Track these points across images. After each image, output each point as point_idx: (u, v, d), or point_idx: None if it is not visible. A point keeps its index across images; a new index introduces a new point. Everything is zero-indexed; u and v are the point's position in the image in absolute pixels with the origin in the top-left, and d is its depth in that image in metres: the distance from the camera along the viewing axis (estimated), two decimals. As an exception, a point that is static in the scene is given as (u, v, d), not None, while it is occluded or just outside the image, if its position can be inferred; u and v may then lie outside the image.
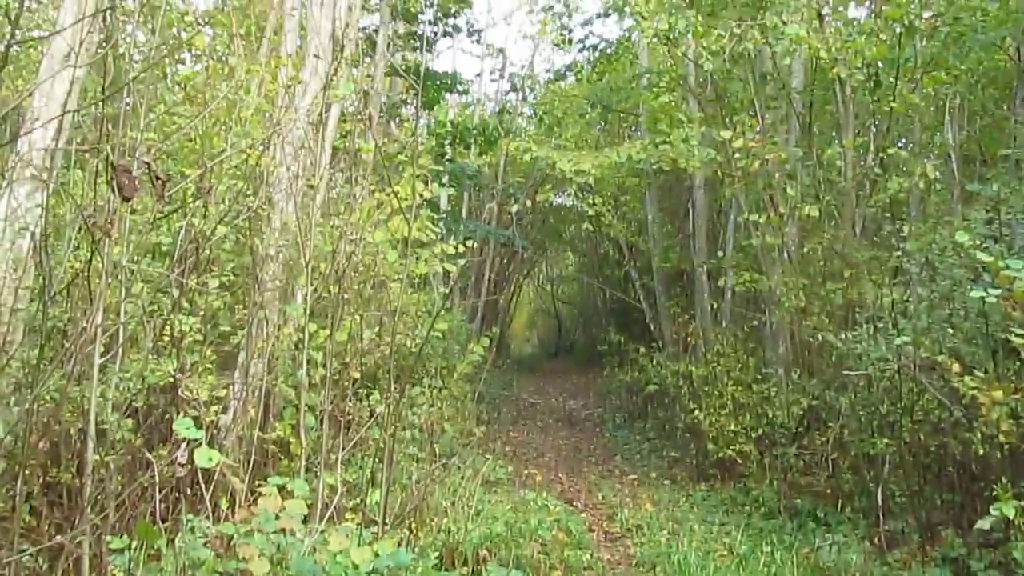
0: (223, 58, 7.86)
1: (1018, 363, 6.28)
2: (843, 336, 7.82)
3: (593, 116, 17.77)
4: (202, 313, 6.38)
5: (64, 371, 4.30)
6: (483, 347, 9.38)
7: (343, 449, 5.76)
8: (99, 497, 4.53)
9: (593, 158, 11.32)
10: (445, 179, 15.55)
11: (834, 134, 12.08)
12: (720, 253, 13.40)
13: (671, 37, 10.31)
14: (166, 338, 5.84)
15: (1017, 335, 5.53)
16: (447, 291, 13.31)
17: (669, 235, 17.08)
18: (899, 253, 8.32)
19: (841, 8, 11.22)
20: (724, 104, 11.73)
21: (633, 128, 17.80)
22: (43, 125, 4.84)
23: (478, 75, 36.61)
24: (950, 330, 6.85)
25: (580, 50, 16.97)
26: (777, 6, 9.72)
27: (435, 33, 18.24)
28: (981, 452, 6.52)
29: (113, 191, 3.60)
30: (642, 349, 14.34)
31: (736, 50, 9.80)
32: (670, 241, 16.83)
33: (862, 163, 10.17)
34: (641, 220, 18.16)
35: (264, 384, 6.44)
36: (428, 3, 17.02)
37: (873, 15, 10.42)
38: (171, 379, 5.65)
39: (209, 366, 6.28)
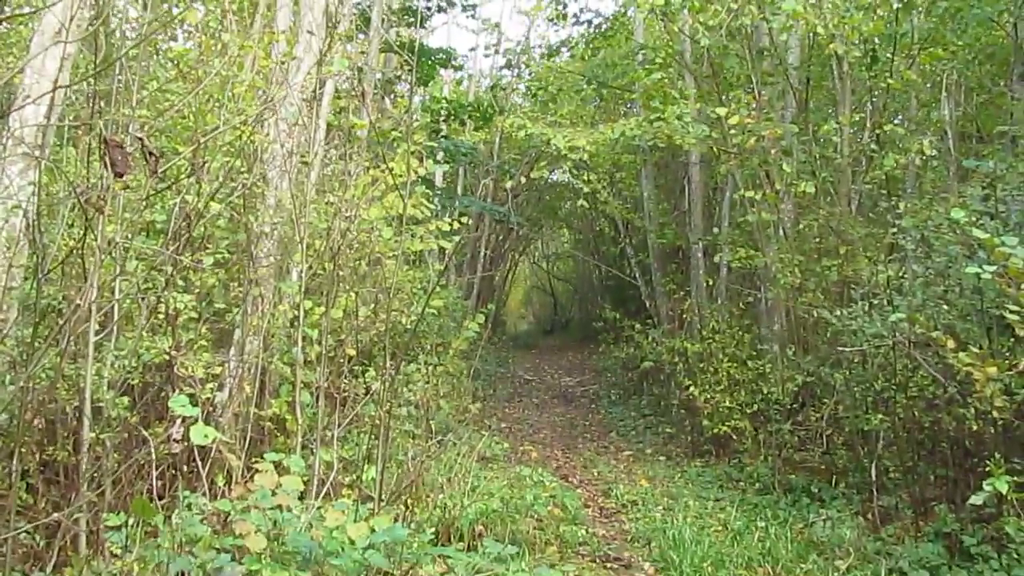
0: (216, 34, 7.80)
1: (1012, 339, 6.29)
2: (838, 313, 7.82)
3: (588, 92, 17.70)
4: (197, 290, 6.37)
5: (59, 349, 4.30)
6: (478, 324, 9.38)
7: (339, 426, 5.77)
8: (95, 474, 4.54)
9: (588, 135, 11.28)
10: (440, 156, 15.49)
11: (831, 110, 12.05)
12: (716, 230, 13.39)
13: (667, 12, 10.24)
14: (161, 315, 5.83)
15: (1012, 311, 5.53)
16: (442, 268, 13.31)
17: (665, 212, 17.06)
18: (895, 230, 8.30)
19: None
20: (720, 80, 11.69)
21: (629, 105, 17.73)
22: (35, 102, 4.80)
23: (472, 50, 36.46)
24: (945, 307, 6.86)
25: (575, 23, 16.86)
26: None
27: (429, 8, 18.13)
28: (975, 428, 6.56)
29: (106, 167, 3.58)
30: (637, 326, 14.36)
31: (733, 25, 9.75)
32: (666, 218, 16.80)
33: (858, 139, 10.15)
34: (637, 197, 18.15)
35: (260, 361, 6.44)
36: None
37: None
38: (166, 356, 5.65)
39: (204, 343, 6.28)
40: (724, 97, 11.07)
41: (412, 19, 16.59)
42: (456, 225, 8.88)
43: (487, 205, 18.67)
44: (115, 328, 4.80)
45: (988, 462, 5.45)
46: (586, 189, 16.20)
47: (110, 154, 3.41)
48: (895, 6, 9.65)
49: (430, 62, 17.29)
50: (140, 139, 3.76)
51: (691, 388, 11.26)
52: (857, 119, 10.29)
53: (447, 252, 11.33)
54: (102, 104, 4.72)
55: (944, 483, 7.33)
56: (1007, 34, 11.30)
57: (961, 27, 10.91)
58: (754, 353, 11.24)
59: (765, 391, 10.37)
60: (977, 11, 10.38)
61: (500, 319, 25.19)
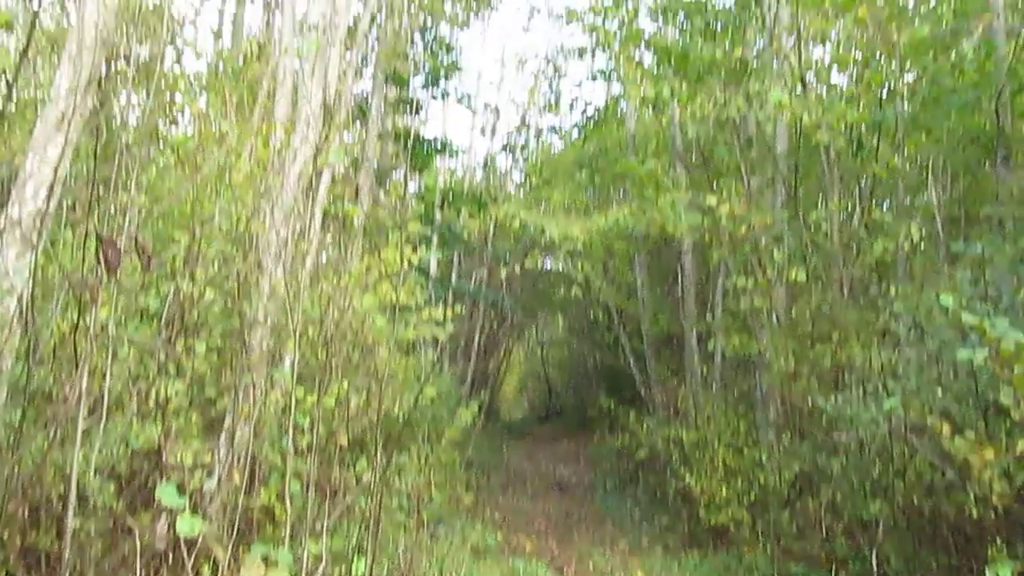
0: (215, 123, 7.93)
1: (1008, 423, 6.27)
2: (833, 399, 7.80)
3: (582, 179, 17.94)
4: (189, 377, 6.34)
5: (47, 434, 4.25)
6: (472, 412, 9.33)
7: (329, 517, 5.69)
8: (79, 564, 4.45)
9: (581, 223, 11.41)
10: (434, 243, 15.60)
11: (820, 197, 12.19)
12: (709, 317, 13.43)
13: (657, 104, 10.45)
14: (151, 402, 5.79)
15: (1006, 395, 5.53)
16: (436, 356, 13.28)
17: (658, 299, 17.12)
18: (887, 315, 8.35)
19: (821, 75, 11.41)
20: (710, 169, 11.86)
21: (622, 192, 17.96)
22: (35, 191, 4.85)
23: (470, 129, 36.88)
24: (939, 391, 6.85)
25: (570, 109, 17.21)
26: (760, 73, 9.90)
27: (425, 98, 18.46)
28: (975, 514, 6.48)
29: (99, 262, 3.60)
30: (632, 413, 14.27)
31: (721, 116, 9.94)
32: (659, 305, 16.85)
33: (848, 226, 10.25)
34: (630, 284, 18.21)
35: (250, 449, 6.37)
36: (419, 70, 17.25)
37: (854, 80, 10.60)
38: (155, 444, 5.59)
39: (195, 431, 6.22)
40: (714, 185, 11.22)
41: (409, 109, 16.90)
42: (450, 313, 8.90)
43: (482, 292, 18.74)
44: (104, 414, 4.75)
45: (990, 548, 5.38)
46: (580, 276, 16.28)
47: (104, 250, 3.44)
48: (878, 95, 9.87)
49: (426, 151, 17.54)
50: (135, 238, 3.78)
51: (687, 477, 11.14)
52: (846, 205, 10.41)
53: (441, 340, 11.32)
54: (100, 191, 4.77)
55: (946, 571, 7.21)
56: (989, 118, 11.53)
57: (943, 113, 11.13)
58: (750, 441, 11.16)
59: (762, 479, 10.26)
60: (959, 97, 10.61)
61: (494, 407, 25.05)
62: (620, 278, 19.32)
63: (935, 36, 11.02)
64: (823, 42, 10.40)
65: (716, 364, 13.77)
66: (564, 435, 25.56)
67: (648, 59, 11.35)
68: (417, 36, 16.29)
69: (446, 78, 17.98)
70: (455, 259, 19.85)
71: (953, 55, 10.74)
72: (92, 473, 4.71)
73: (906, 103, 10.71)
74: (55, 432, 4.17)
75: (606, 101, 16.65)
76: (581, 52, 14.32)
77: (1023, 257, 8.09)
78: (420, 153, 17.19)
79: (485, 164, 22.64)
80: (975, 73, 11.21)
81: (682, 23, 10.74)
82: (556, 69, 15.91)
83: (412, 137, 7.70)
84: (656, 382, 15.93)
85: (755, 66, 10.38)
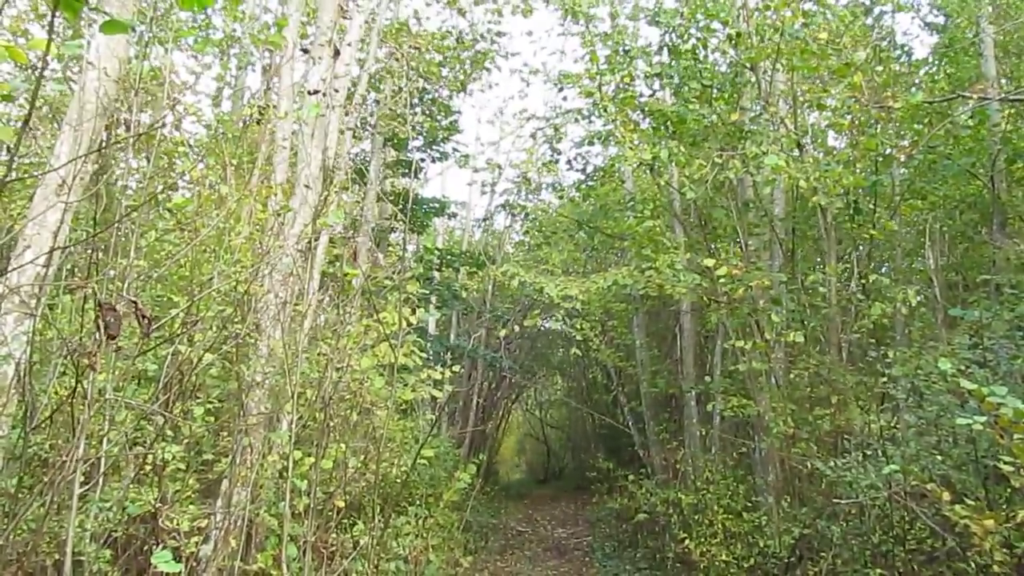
0: (215, 186, 8.00)
1: (1009, 490, 6.24)
2: (832, 463, 7.76)
3: (581, 239, 18.03)
4: (186, 441, 6.32)
5: (43, 501, 4.23)
6: (470, 474, 9.27)
7: (326, 581, 5.63)
8: (73, 633, 4.39)
9: (580, 283, 11.44)
10: (433, 303, 15.64)
11: (818, 260, 12.26)
12: (708, 378, 13.41)
13: (654, 167, 10.55)
14: (148, 467, 5.76)
15: (1006, 462, 5.51)
16: (434, 417, 13.23)
17: (657, 360, 17.10)
18: (885, 379, 8.34)
19: (817, 140, 11.53)
20: (708, 230, 11.94)
21: (619, 253, 18.05)
22: (34, 259, 4.88)
23: (468, 189, 37.03)
24: (939, 457, 6.83)
25: (568, 169, 17.34)
26: (757, 136, 10.01)
27: (423, 160, 18.61)
28: (976, 583, 6.42)
29: (98, 329, 3.62)
30: (631, 476, 14.18)
31: (718, 178, 10.03)
32: (658, 366, 16.83)
33: (845, 289, 10.29)
34: (629, 345, 18.21)
35: (247, 513, 6.33)
36: (417, 132, 17.43)
37: (850, 145, 10.72)
38: (152, 509, 5.56)
39: (191, 495, 6.18)
40: (712, 247, 11.28)
41: (406, 171, 17.04)
42: (448, 373, 8.89)
43: (480, 352, 18.72)
44: (101, 479, 4.73)
45: (991, 618, 5.32)
46: (579, 337, 16.28)
47: (102, 316, 3.46)
48: (875, 159, 9.96)
49: (424, 211, 17.66)
50: (134, 303, 3.81)
51: (686, 541, 11.03)
52: (843, 269, 10.46)
53: (439, 401, 11.28)
54: (100, 256, 4.80)
55: (948, 641, 7.12)
56: (985, 185, 11.65)
57: (939, 179, 11.25)
58: (749, 504, 11.08)
59: (761, 544, 10.16)
60: (952, 165, 10.73)
61: (492, 468, 24.87)
62: (619, 339, 19.32)
63: (930, 103, 11.18)
64: (819, 108, 10.52)
65: (715, 426, 13.72)
66: (563, 497, 25.36)
67: (645, 122, 11.48)
68: (415, 99, 16.49)
69: (444, 140, 18.16)
70: (453, 319, 19.87)
71: (948, 122, 10.88)
72: (88, 539, 4.67)
73: (902, 168, 10.82)
74: (51, 498, 4.15)
75: (604, 161, 16.79)
76: (579, 114, 14.49)
77: (1020, 323, 8.12)
78: (419, 214, 17.30)
79: (483, 224, 22.78)
80: (970, 140, 11.36)
81: (677, 87, 10.88)
82: (555, 129, 16.08)
83: (410, 198, 7.76)
84: (655, 444, 15.84)
85: (751, 129, 10.50)
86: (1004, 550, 5.65)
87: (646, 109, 11.20)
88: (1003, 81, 14.43)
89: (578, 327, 16.58)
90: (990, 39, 13.19)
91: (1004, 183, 12.28)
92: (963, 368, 6.60)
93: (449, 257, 18.10)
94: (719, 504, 11.23)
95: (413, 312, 8.00)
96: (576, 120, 14.28)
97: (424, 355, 9.34)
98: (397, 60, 14.41)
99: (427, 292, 15.79)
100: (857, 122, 10.26)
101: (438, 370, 8.74)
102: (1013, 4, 13.67)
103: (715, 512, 11.11)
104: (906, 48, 14.49)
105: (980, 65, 13.53)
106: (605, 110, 10.94)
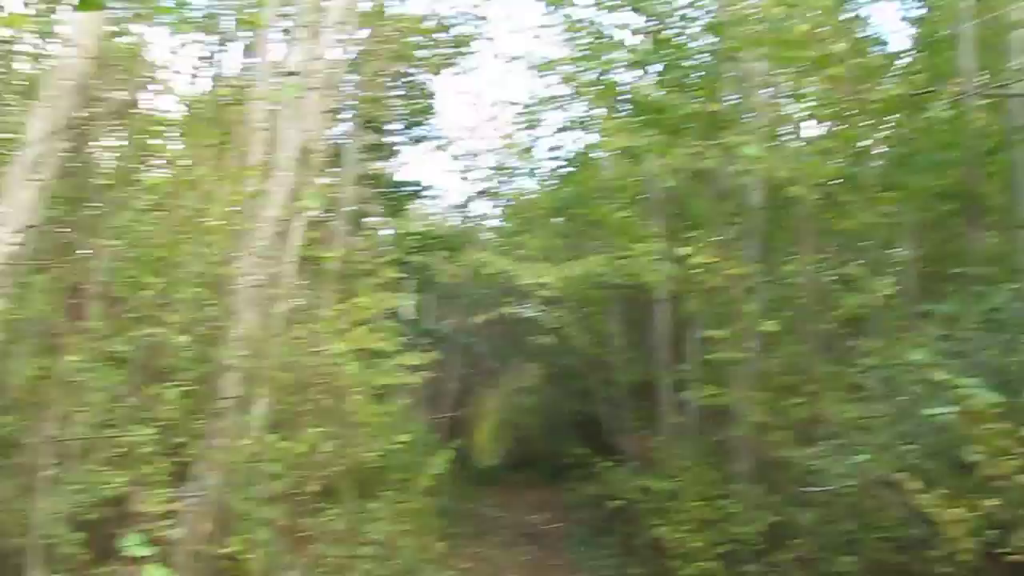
0: (191, 167, 7.93)
1: (977, 479, 6.30)
2: (805, 452, 7.83)
3: (558, 226, 18.01)
4: (158, 423, 6.27)
5: (13, 483, 4.19)
6: (445, 459, 9.27)
7: (299, 566, 5.62)
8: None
9: (556, 270, 11.45)
10: (409, 288, 15.60)
11: (793, 250, 12.31)
12: (683, 366, 13.44)
13: (633, 154, 10.56)
14: (119, 449, 5.71)
15: (976, 451, 5.57)
16: (409, 402, 13.22)
17: (632, 347, 17.11)
18: (858, 369, 8.40)
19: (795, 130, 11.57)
20: (685, 220, 11.95)
21: (597, 241, 18.03)
22: (6, 236, 4.82)
23: (446, 173, 36.95)
24: (910, 446, 6.88)
25: (547, 155, 17.29)
26: (736, 126, 10.03)
27: (402, 143, 18.51)
28: (944, 570, 6.48)
29: (70, 308, 3.59)
30: (606, 463, 14.21)
31: (696, 167, 10.05)
32: (633, 354, 16.84)
33: (821, 279, 10.35)
34: (605, 332, 18.22)
35: (219, 497, 6.30)
36: (395, 115, 17.33)
37: (828, 136, 10.77)
38: (124, 491, 5.52)
39: (163, 478, 6.14)
40: (690, 236, 11.30)
41: (385, 153, 16.95)
42: (424, 359, 8.89)
43: (457, 337, 18.71)
44: (70, 461, 4.69)
45: (959, 606, 5.39)
46: (554, 324, 16.28)
47: (74, 296, 3.43)
48: (851, 151, 10.02)
49: (401, 195, 17.57)
50: (106, 283, 3.77)
51: (660, 527, 11.08)
52: (819, 259, 10.51)
53: (414, 386, 11.26)
54: (73, 236, 4.75)
55: (917, 627, 7.20)
56: (960, 177, 11.73)
57: (915, 171, 11.30)
58: (723, 492, 11.13)
59: (734, 531, 10.22)
60: (928, 157, 10.80)
61: (468, 454, 24.86)
62: (595, 326, 19.33)
63: (907, 96, 11.22)
64: (798, 99, 10.56)
65: (689, 414, 13.76)
66: (538, 483, 25.36)
67: (624, 110, 11.47)
68: (394, 82, 16.39)
69: (422, 123, 18.07)
70: (430, 304, 19.83)
71: (925, 116, 10.95)
72: (58, 522, 4.63)
73: (879, 160, 10.88)
74: (20, 481, 4.11)
75: (583, 148, 16.74)
76: (559, 100, 14.44)
77: (992, 316, 8.20)
78: (396, 197, 17.22)
79: (461, 208, 22.70)
80: (946, 133, 11.43)
81: (659, 75, 10.87)
82: (534, 115, 16.00)
83: (388, 181, 7.75)
84: (630, 431, 15.88)
85: (731, 119, 10.52)
86: (972, 538, 5.71)
87: (627, 97, 11.19)
88: (981, 74, 14.50)
89: (554, 314, 16.60)
90: (968, 33, 13.25)
91: (979, 175, 12.38)
92: (935, 359, 6.66)
93: (426, 241, 18.04)
94: (692, 491, 11.28)
95: (390, 295, 7.98)
96: (557, 108, 14.24)
97: (401, 340, 9.33)
98: (377, 43, 14.32)
99: (403, 276, 15.74)
100: (835, 113, 10.31)
101: (415, 354, 8.74)
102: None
103: (689, 499, 11.16)
104: (882, 40, 14.53)
105: (958, 58, 13.60)
106: (585, 97, 10.93)
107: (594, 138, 12.95)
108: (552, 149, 16.12)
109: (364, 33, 14.18)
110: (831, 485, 7.59)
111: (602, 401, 18.57)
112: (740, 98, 10.68)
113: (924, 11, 15.46)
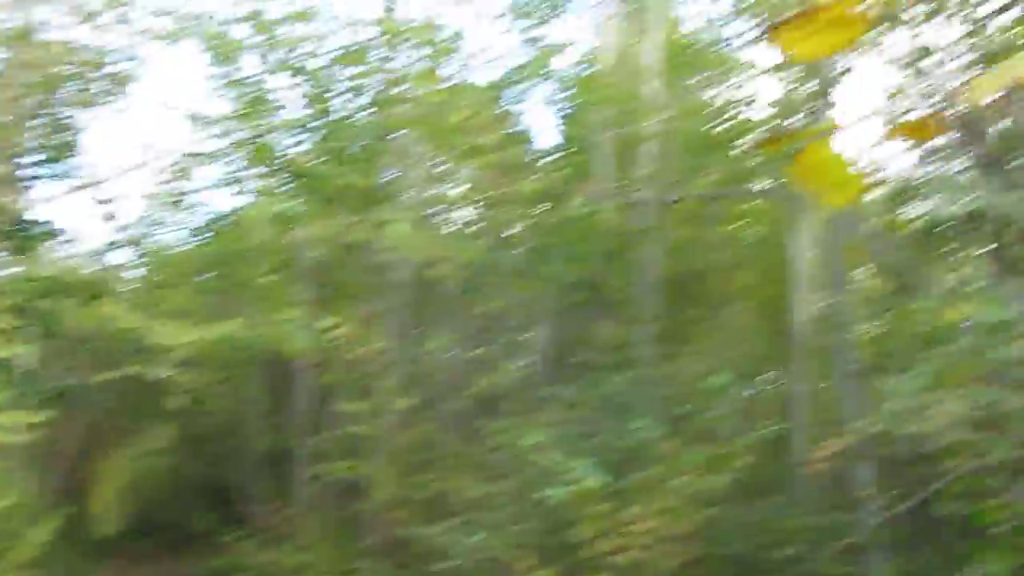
0: None
1: (583, 558, 6.68)
2: (431, 529, 7.93)
3: (203, 285, 17.27)
4: None
5: None
6: (52, 527, 8.42)
7: None
8: None
9: (196, 331, 10.93)
10: (32, 336, 14.19)
11: (434, 329, 12.63)
12: (320, 438, 13.26)
13: (286, 220, 10.41)
14: None
15: (581, 532, 5.90)
16: (13, 464, 11.94)
17: (271, 415, 16.69)
18: (486, 448, 8.69)
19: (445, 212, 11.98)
20: (334, 289, 11.91)
21: (241, 303, 17.49)
22: None
23: (87, 217, 34.47)
24: (525, 526, 7.18)
25: (197, 210, 16.57)
26: (389, 202, 10.20)
27: (39, 178, 17.01)
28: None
29: None
30: (236, 533, 13.62)
31: (347, 239, 10.07)
32: (271, 422, 16.43)
33: (458, 358, 10.67)
34: (243, 397, 17.64)
35: None
36: (32, 148, 15.92)
37: (476, 221, 11.25)
38: None
39: None
40: (335, 307, 11.26)
41: (15, 187, 15.49)
42: (36, 416, 8.08)
43: (80, 393, 17.25)
44: None
45: None
46: (190, 385, 15.49)
47: None
48: (496, 237, 10.52)
49: (30, 234, 16.07)
50: None
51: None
52: (458, 338, 10.85)
53: (20, 445, 10.19)
54: None
55: None
56: (593, 270, 12.69)
57: (552, 260, 12.07)
58: (352, 567, 11.01)
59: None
60: (564, 249, 11.59)
61: (85, 521, 22.87)
62: (233, 391, 18.66)
63: (549, 191, 12.02)
64: (450, 183, 10.96)
65: (324, 487, 13.56)
66: (163, 554, 23.83)
67: (281, 174, 11.31)
68: (34, 110, 15.10)
69: (64, 159, 16.72)
70: (54, 356, 18.17)
71: (564, 210, 11.74)
72: None
73: (520, 248, 11.50)
74: None
75: (235, 208, 16.25)
76: (214, 156, 13.96)
77: (607, 402, 8.84)
78: (25, 236, 15.74)
79: (100, 256, 21.16)
80: (581, 229, 12.34)
81: (318, 143, 10.86)
82: (187, 168, 15.34)
83: (16, 218, 7.01)
84: (263, 501, 15.36)
85: (385, 194, 10.70)
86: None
87: (284, 161, 11.05)
88: (614, 179, 15.88)
89: (190, 375, 15.79)
90: (606, 141, 14.51)
91: (609, 270, 13.46)
92: (552, 442, 7.03)
93: (55, 287, 16.58)
94: (321, 566, 11.06)
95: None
96: (210, 162, 13.73)
97: (10, 394, 8.43)
98: (18, 66, 13.17)
99: (25, 324, 14.32)
100: (483, 200, 10.80)
101: (24, 412, 7.92)
102: (629, 112, 15.15)
103: (317, 574, 10.93)
104: (531, 138, 15.56)
105: (595, 163, 14.82)
106: (241, 156, 10.67)
107: (247, 199, 12.61)
108: (203, 205, 15.49)
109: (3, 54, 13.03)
110: (453, 562, 7.73)
111: (236, 469, 17.90)
112: (396, 175, 10.91)
113: (569, 116, 16.79)
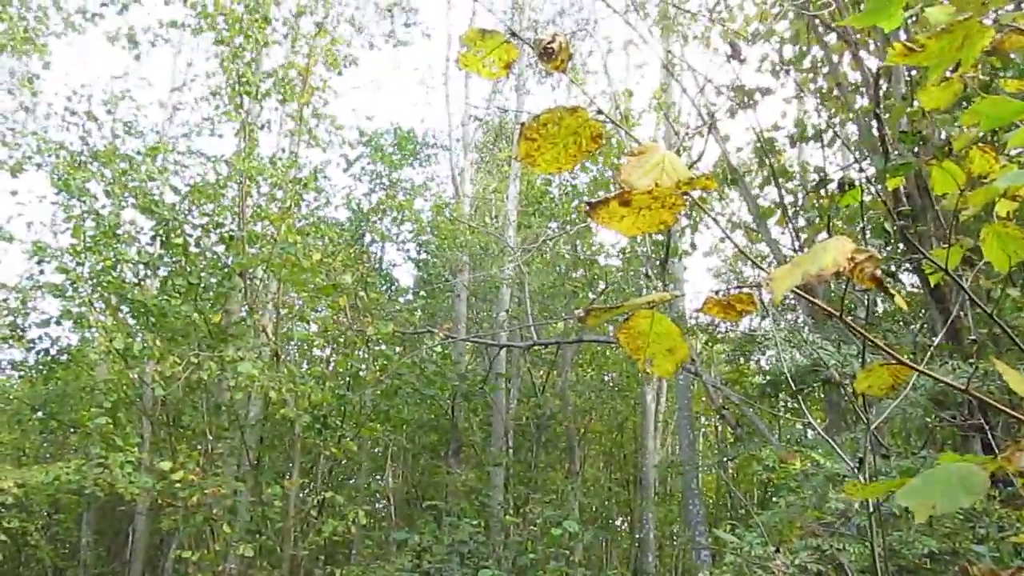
0: None
1: None
2: None
3: (34, 423, 16.33)
4: None
5: None
6: None
7: None
8: None
9: (18, 472, 10.26)
10: None
11: (283, 470, 12.25)
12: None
13: (126, 358, 10.03)
14: None
15: None
16: None
17: (104, 561, 15.70)
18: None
19: (297, 352, 11.80)
20: (176, 429, 11.46)
21: (76, 443, 16.59)
22: None
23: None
24: None
25: (29, 350, 15.77)
26: (237, 341, 9.98)
27: None
28: None
29: None
30: None
31: (192, 378, 9.76)
32: (105, 568, 15.45)
33: (304, 503, 10.35)
34: (75, 542, 16.56)
35: None
36: None
37: (325, 361, 11.11)
38: None
39: None
40: (176, 448, 10.81)
41: None
42: None
43: None
44: None
45: None
46: (12, 529, 14.43)
47: None
48: (347, 378, 10.39)
49: None
50: None
51: None
52: (305, 482, 10.55)
53: None
54: None
55: None
56: (445, 413, 12.65)
57: (404, 403, 11.99)
58: None
59: None
60: (417, 392, 11.53)
61: None
62: (65, 535, 17.50)
63: (402, 334, 12.03)
64: (303, 320, 10.85)
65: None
66: None
67: (125, 309, 10.95)
68: None
69: None
70: None
71: (415, 353, 11.76)
72: None
73: (372, 389, 11.38)
74: None
75: (74, 344, 15.54)
76: (54, 288, 13.41)
77: (458, 548, 8.70)
78: None
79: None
80: (435, 371, 12.35)
81: (164, 279, 10.61)
82: (23, 300, 14.69)
83: None
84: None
85: (233, 333, 10.49)
86: None
87: (127, 296, 10.70)
88: (471, 322, 16.05)
89: (12, 517, 14.74)
90: (463, 283, 14.72)
91: (461, 413, 13.43)
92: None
93: None
94: None
95: None
96: (50, 295, 13.16)
97: None
98: None
99: None
100: (336, 340, 10.70)
101: None
102: (486, 257, 15.47)
103: None
104: (388, 275, 15.65)
105: (453, 304, 14.98)
106: (79, 291, 10.32)
107: (88, 334, 12.09)
108: (38, 339, 14.78)
109: None
110: None
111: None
112: (247, 312, 10.73)
113: (427, 257, 17.03)
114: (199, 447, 10.46)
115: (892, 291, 1.66)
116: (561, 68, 1.77)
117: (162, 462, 9.24)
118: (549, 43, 1.73)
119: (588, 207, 1.71)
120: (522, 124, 1.70)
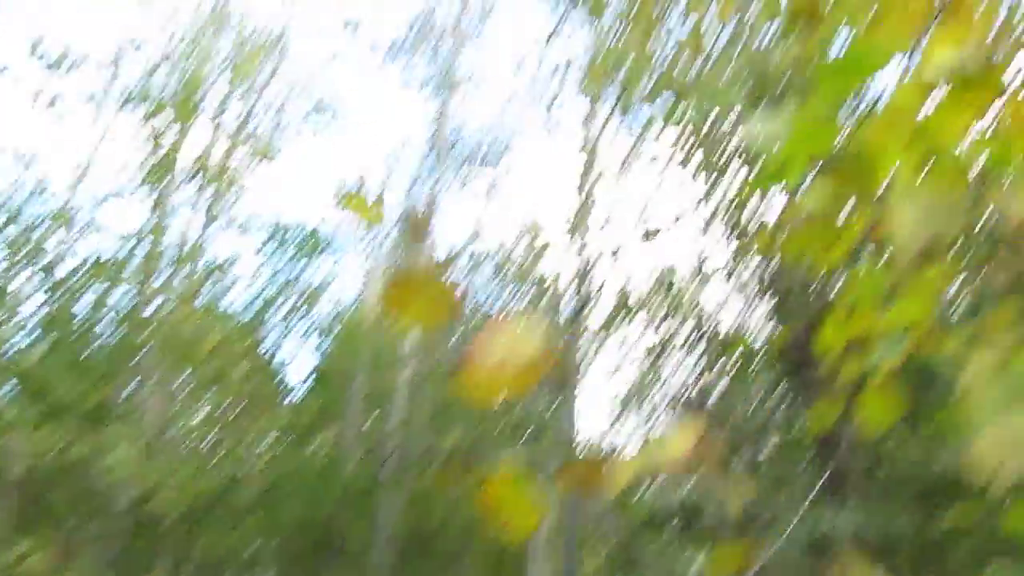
0: None
1: None
2: None
3: None
4: None
5: None
6: None
7: None
8: None
9: None
10: None
11: (150, 564, 11.67)
12: None
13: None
14: None
15: None
16: None
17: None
18: None
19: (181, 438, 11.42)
20: (38, 510, 10.87)
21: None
22: None
23: None
24: None
25: None
26: (118, 422, 9.63)
27: None
28: None
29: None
30: None
31: (64, 456, 9.33)
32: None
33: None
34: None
35: None
36: None
37: (211, 452, 10.76)
38: None
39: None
40: (38, 530, 10.23)
41: None
42: None
43: None
44: None
45: None
46: None
47: None
48: (230, 472, 10.05)
49: None
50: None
51: None
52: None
53: None
54: None
55: None
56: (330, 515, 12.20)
57: (285, 500, 11.58)
58: None
59: None
60: (299, 490, 11.18)
61: None
62: None
63: (293, 428, 11.75)
64: (191, 408, 10.55)
65: None
66: None
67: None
68: None
69: None
70: None
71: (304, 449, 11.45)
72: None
73: (253, 485, 11.03)
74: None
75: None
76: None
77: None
78: None
79: None
80: (322, 470, 12.04)
81: (46, 351, 10.22)
82: None
83: None
84: None
85: (116, 414, 10.11)
86: None
87: (9, 362, 10.27)
88: (363, 425, 15.77)
89: None
90: (360, 385, 14.46)
91: (346, 515, 12.98)
92: None
93: None
94: None
95: None
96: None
97: None
98: None
99: None
100: (222, 430, 10.38)
101: None
102: (383, 361, 15.26)
103: None
104: (279, 371, 15.32)
105: (347, 400, 14.66)
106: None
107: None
108: None
109: None
110: None
111: None
112: (132, 394, 10.38)
113: (323, 356, 16.72)
114: (60, 532, 9.90)
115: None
116: (420, 240, 1.78)
117: (18, 545, 8.71)
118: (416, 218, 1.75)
119: (449, 371, 1.68)
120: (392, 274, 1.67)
